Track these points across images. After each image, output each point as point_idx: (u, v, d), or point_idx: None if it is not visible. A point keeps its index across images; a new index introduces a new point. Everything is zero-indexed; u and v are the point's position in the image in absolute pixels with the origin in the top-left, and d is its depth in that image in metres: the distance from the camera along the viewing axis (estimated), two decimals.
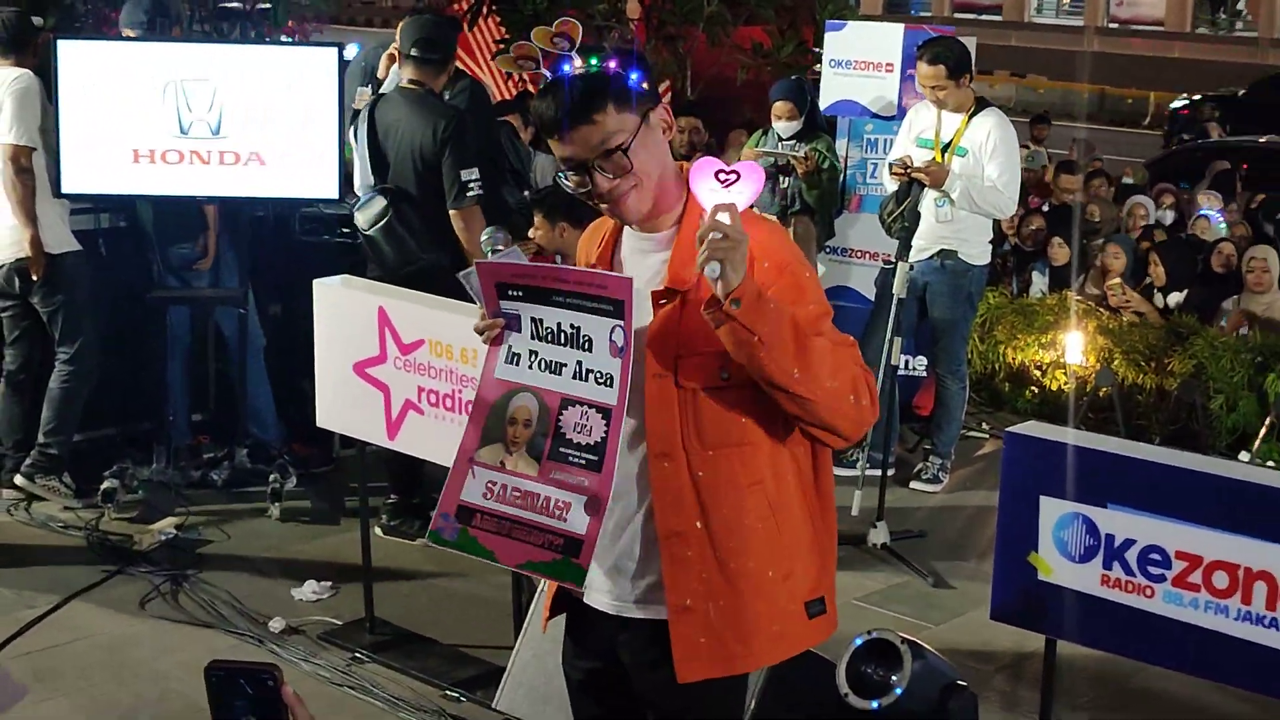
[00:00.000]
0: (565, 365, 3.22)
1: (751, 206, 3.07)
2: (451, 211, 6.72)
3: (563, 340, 3.22)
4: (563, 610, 3.51)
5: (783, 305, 3.05)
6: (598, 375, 3.17)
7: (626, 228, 3.33)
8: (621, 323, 3.11)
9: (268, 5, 9.52)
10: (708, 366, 3.15)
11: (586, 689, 3.53)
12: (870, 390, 3.17)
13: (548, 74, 3.25)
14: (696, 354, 3.15)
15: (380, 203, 6.73)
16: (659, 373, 3.16)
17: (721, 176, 3.03)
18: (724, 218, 2.96)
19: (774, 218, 8.02)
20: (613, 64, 3.20)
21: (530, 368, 3.28)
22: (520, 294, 3.28)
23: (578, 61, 3.22)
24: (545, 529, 3.20)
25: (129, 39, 7.54)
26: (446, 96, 7.29)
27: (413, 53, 6.82)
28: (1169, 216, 12.44)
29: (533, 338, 3.27)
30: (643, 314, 3.16)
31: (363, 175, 6.87)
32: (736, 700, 3.45)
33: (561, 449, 3.20)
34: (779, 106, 8.54)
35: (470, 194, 6.70)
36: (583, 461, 3.17)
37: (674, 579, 3.22)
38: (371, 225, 6.73)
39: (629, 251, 3.32)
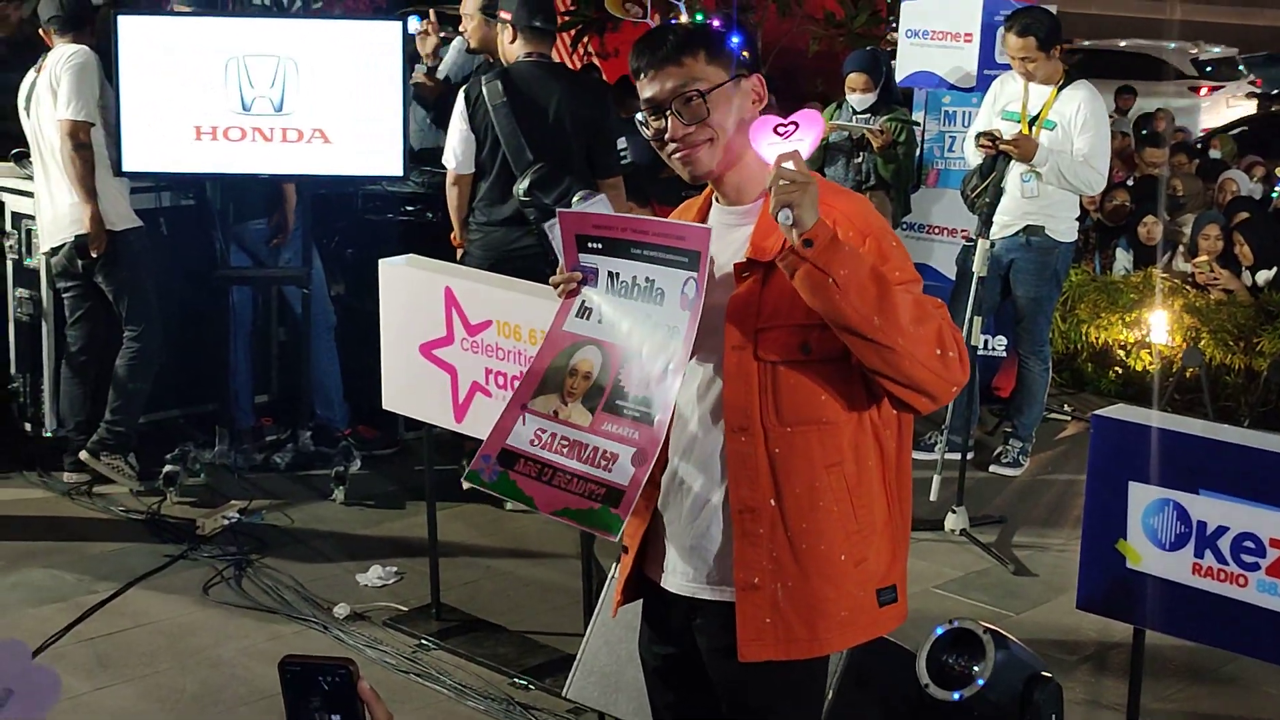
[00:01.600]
0: (635, 318, 3.20)
1: (822, 171, 2.99)
2: (604, 181, 6.75)
3: (636, 294, 3.20)
4: (636, 596, 3.45)
5: (862, 253, 2.99)
6: (665, 329, 3.16)
7: (714, 204, 3.30)
8: (695, 275, 3.08)
9: None
10: (789, 340, 3.08)
11: (662, 675, 3.47)
12: (959, 345, 3.05)
13: (651, 24, 3.23)
14: (777, 327, 3.08)
15: (559, 176, 6.62)
16: (739, 345, 3.10)
17: (780, 129, 3.00)
18: (788, 165, 2.94)
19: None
20: (716, 23, 3.20)
21: (600, 321, 3.26)
22: (599, 246, 3.26)
23: (683, 17, 3.23)
24: (588, 478, 3.17)
25: (183, 14, 7.45)
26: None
27: (536, 24, 6.81)
28: (1259, 190, 12.14)
29: (607, 291, 3.25)
30: (726, 287, 3.13)
31: (515, 151, 6.72)
32: (813, 691, 3.37)
33: (618, 401, 3.18)
34: (853, 78, 8.35)
35: (624, 161, 6.82)
36: (637, 414, 3.14)
37: (743, 555, 3.16)
38: (559, 200, 6.63)
39: (715, 225, 3.24)
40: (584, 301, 3.28)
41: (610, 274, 3.24)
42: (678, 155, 3.19)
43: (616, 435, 3.15)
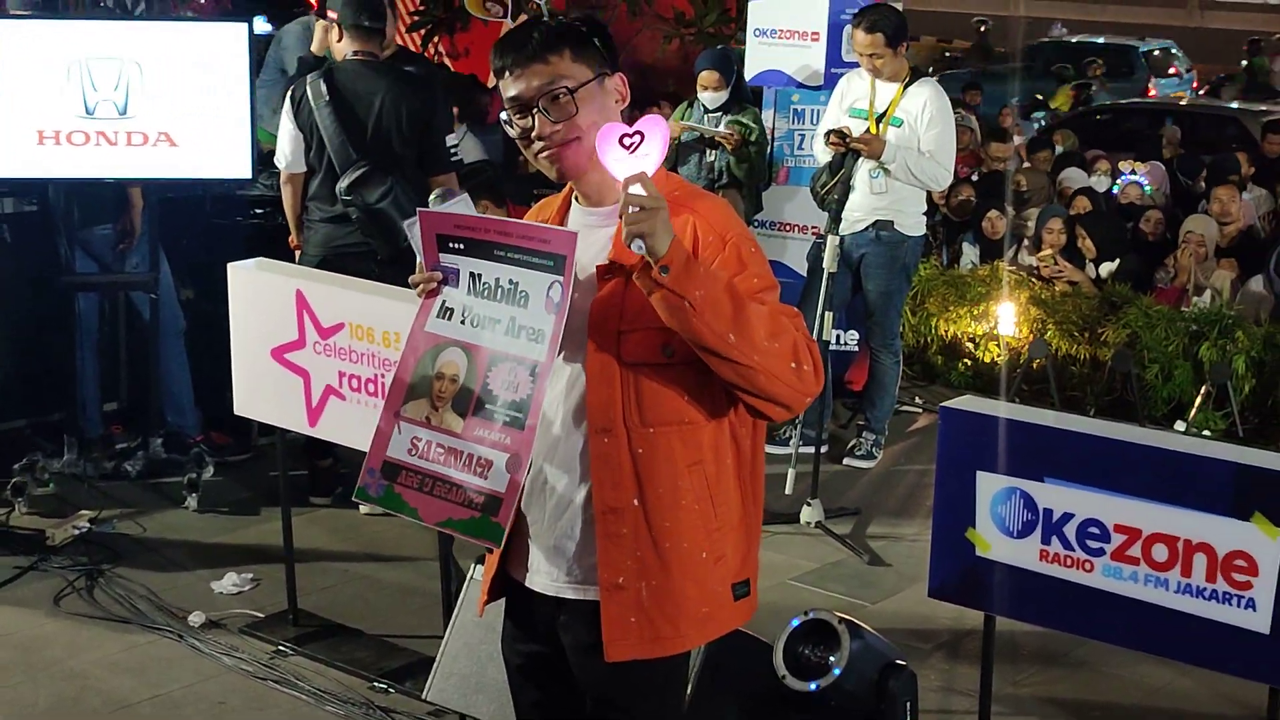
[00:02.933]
0: (498, 321, 3.18)
1: (674, 169, 3.00)
2: (435, 178, 6.77)
3: (499, 296, 3.18)
4: (500, 595, 3.45)
5: (718, 271, 3.02)
6: (530, 332, 3.14)
7: (574, 204, 3.30)
8: (560, 278, 3.07)
9: None
10: (651, 342, 3.10)
11: (526, 673, 3.48)
12: (814, 357, 3.11)
13: (509, 22, 3.23)
14: (640, 329, 3.09)
15: (382, 175, 6.67)
16: (601, 347, 3.12)
17: (626, 141, 2.98)
18: (636, 189, 2.92)
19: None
20: (578, 24, 3.22)
21: (463, 322, 3.24)
22: (461, 246, 3.23)
23: (544, 16, 3.19)
24: (466, 486, 3.16)
25: (22, 17, 7.31)
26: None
27: (363, 22, 6.78)
28: (1104, 183, 12.38)
29: (469, 293, 3.23)
30: (589, 289, 3.14)
31: (338, 149, 6.70)
32: (676, 685, 3.41)
33: (487, 405, 3.16)
34: (705, 77, 8.41)
35: (454, 158, 6.82)
36: (507, 418, 3.13)
37: (607, 556, 3.18)
38: (381, 199, 6.63)
39: (577, 227, 3.24)
40: (445, 301, 3.26)
41: (472, 275, 3.22)
42: (544, 154, 3.18)
43: (489, 441, 3.14)
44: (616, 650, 3.19)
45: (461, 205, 3.31)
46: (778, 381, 3.05)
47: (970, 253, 10.68)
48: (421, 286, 3.28)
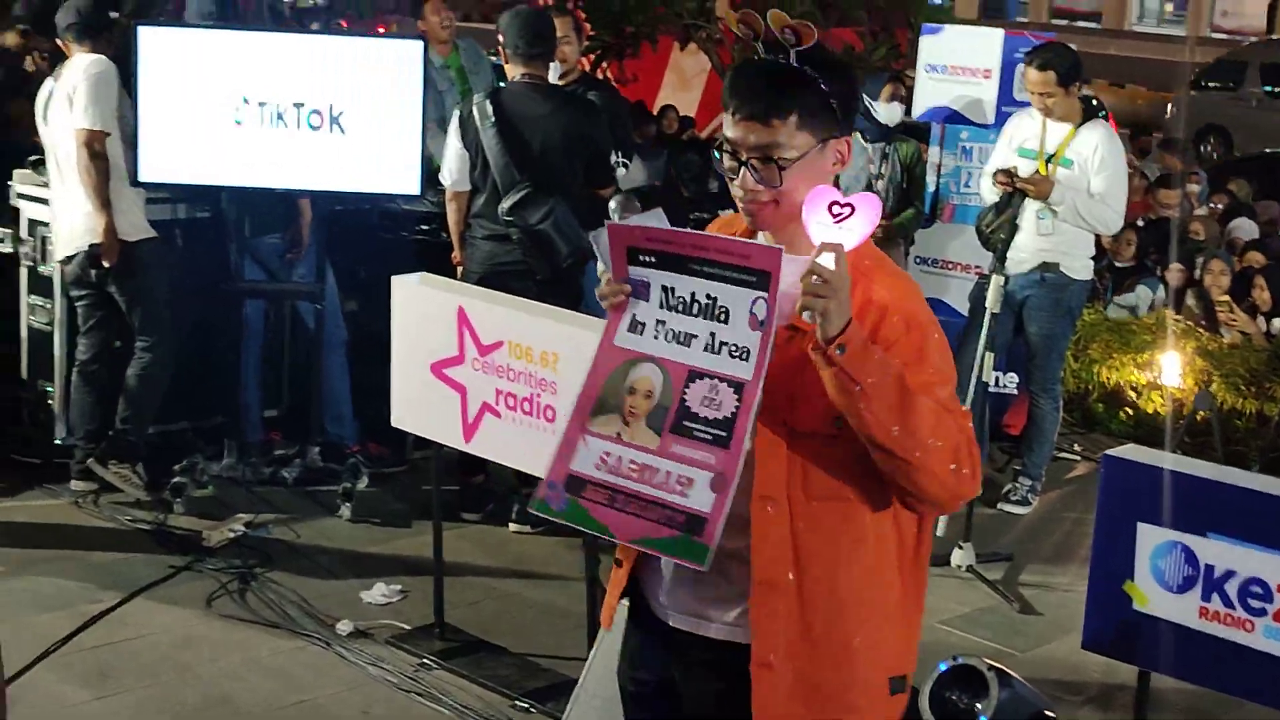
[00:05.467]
0: (696, 336, 3.04)
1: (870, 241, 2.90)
2: (598, 193, 6.82)
3: (695, 310, 3.04)
4: (627, 607, 3.38)
5: (891, 358, 2.93)
6: (732, 348, 2.99)
7: (759, 236, 3.17)
8: (765, 295, 2.94)
9: None
10: (824, 412, 2.98)
11: (640, 701, 3.41)
12: (973, 461, 3.02)
13: (761, 52, 3.10)
14: (812, 397, 2.98)
15: (544, 197, 6.73)
16: (774, 409, 3.02)
17: (835, 210, 2.90)
18: (827, 260, 2.84)
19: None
20: (825, 82, 3.05)
21: (656, 337, 3.09)
22: (653, 260, 3.10)
23: (793, 56, 3.05)
24: (665, 504, 3.00)
25: (202, 26, 7.47)
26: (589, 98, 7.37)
27: (526, 48, 6.85)
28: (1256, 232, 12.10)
29: (661, 306, 3.09)
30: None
31: (502, 170, 6.78)
32: None
33: (686, 422, 3.01)
34: (889, 87, 8.46)
35: (619, 173, 6.90)
36: (709, 437, 2.98)
37: (760, 630, 3.09)
38: (541, 220, 6.71)
39: None
40: (635, 315, 3.12)
41: (665, 288, 3.08)
42: (742, 206, 3.11)
43: (690, 459, 3.00)
44: None
45: (655, 219, 3.20)
46: (934, 481, 2.97)
47: (1147, 297, 10.41)
48: (610, 299, 3.15)
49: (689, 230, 3.13)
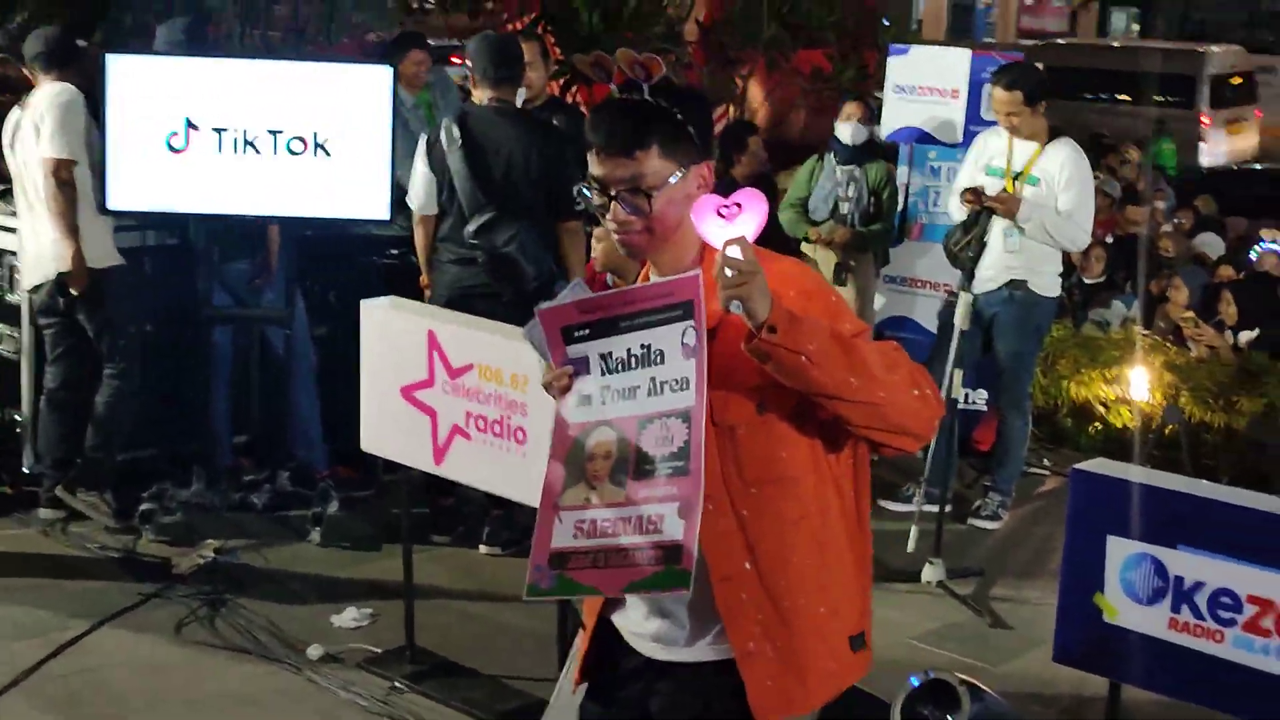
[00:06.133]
0: (639, 387, 3.15)
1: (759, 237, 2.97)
2: (563, 224, 6.86)
3: (634, 364, 3.15)
4: (593, 675, 3.45)
5: (819, 319, 3.03)
6: (672, 384, 3.10)
7: (651, 273, 3.32)
8: (691, 322, 3.05)
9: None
10: (743, 402, 3.11)
11: None
12: (927, 379, 3.15)
13: (615, 90, 3.20)
14: (730, 389, 3.09)
15: (510, 220, 6.75)
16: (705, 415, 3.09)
17: (723, 211, 3.01)
18: (734, 251, 2.95)
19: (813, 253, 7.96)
20: (675, 110, 3.19)
21: (603, 403, 3.20)
22: (587, 332, 3.21)
23: (645, 93, 3.22)
24: (641, 546, 3.10)
25: (170, 55, 7.46)
26: (555, 121, 7.35)
27: (494, 72, 6.87)
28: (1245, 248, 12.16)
29: (603, 373, 3.19)
30: None
31: (468, 193, 6.79)
32: None
33: (647, 466, 3.12)
34: (848, 107, 8.50)
35: (579, 207, 6.73)
36: (669, 470, 3.09)
37: (734, 624, 3.17)
38: (507, 244, 6.71)
39: None
40: (580, 391, 3.23)
41: (603, 356, 3.19)
42: (618, 239, 3.23)
43: (656, 497, 3.10)
44: (765, 716, 3.18)
45: (578, 290, 3.29)
46: (905, 413, 3.09)
47: (1121, 312, 10.44)
48: (556, 385, 3.25)
49: (611, 290, 3.33)
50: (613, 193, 3.18)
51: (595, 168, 3.20)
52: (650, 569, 3.08)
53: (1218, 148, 20.54)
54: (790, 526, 3.16)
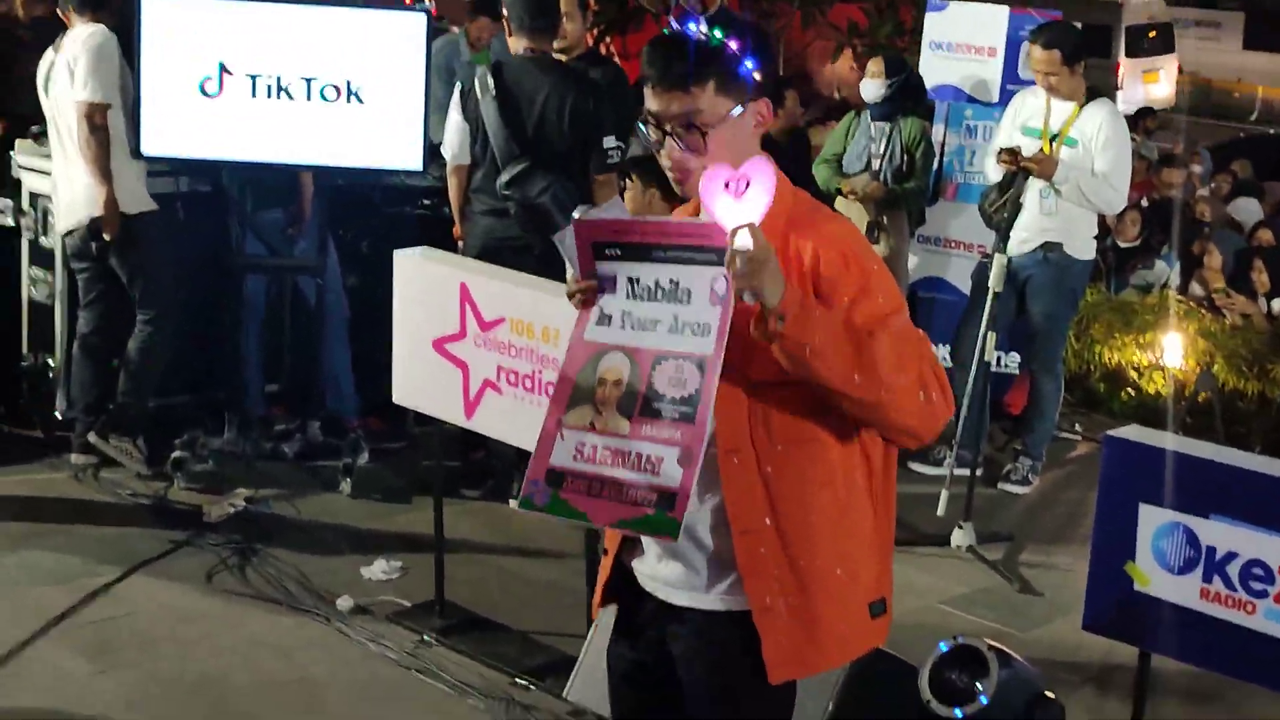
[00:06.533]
0: (660, 321, 3.13)
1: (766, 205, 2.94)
2: (596, 177, 6.81)
3: (660, 296, 3.14)
4: (614, 599, 3.45)
5: (836, 310, 3.02)
6: (694, 326, 3.09)
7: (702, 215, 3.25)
8: (724, 270, 3.00)
9: None
10: (777, 361, 3.05)
11: (629, 680, 3.46)
12: (940, 383, 3.10)
13: (673, 22, 3.15)
14: (767, 352, 3.05)
15: (543, 172, 6.70)
16: (728, 363, 3.06)
17: (731, 186, 2.98)
18: (743, 239, 2.90)
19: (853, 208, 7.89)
20: (734, 43, 3.14)
21: (623, 327, 3.19)
22: (618, 252, 3.19)
23: (703, 26, 3.16)
24: (638, 485, 3.10)
25: None
26: (594, 74, 7.33)
27: (529, 21, 6.83)
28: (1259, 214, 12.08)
29: (628, 297, 3.18)
30: None
31: (501, 144, 6.75)
32: (785, 707, 3.36)
33: (654, 404, 3.11)
34: (872, 64, 8.46)
35: (610, 160, 6.80)
36: (676, 415, 3.08)
37: (751, 578, 3.17)
38: (540, 194, 6.69)
39: None
40: (603, 309, 3.21)
41: (630, 279, 3.18)
42: (672, 175, 3.21)
43: (659, 438, 3.09)
44: (779, 672, 3.18)
45: (615, 209, 3.29)
46: (907, 414, 3.07)
47: (1164, 270, 10.35)
48: (578, 297, 3.24)
49: (650, 219, 3.27)
50: (667, 128, 3.14)
51: (650, 102, 3.15)
52: (640, 510, 3.09)
53: (1133, 95, 20.83)
54: (814, 489, 3.16)
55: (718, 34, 3.15)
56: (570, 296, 3.25)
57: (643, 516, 3.09)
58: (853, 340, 2.97)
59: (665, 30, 3.19)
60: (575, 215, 3.27)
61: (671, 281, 3.12)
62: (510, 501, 6.94)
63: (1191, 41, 25.08)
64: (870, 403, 3.01)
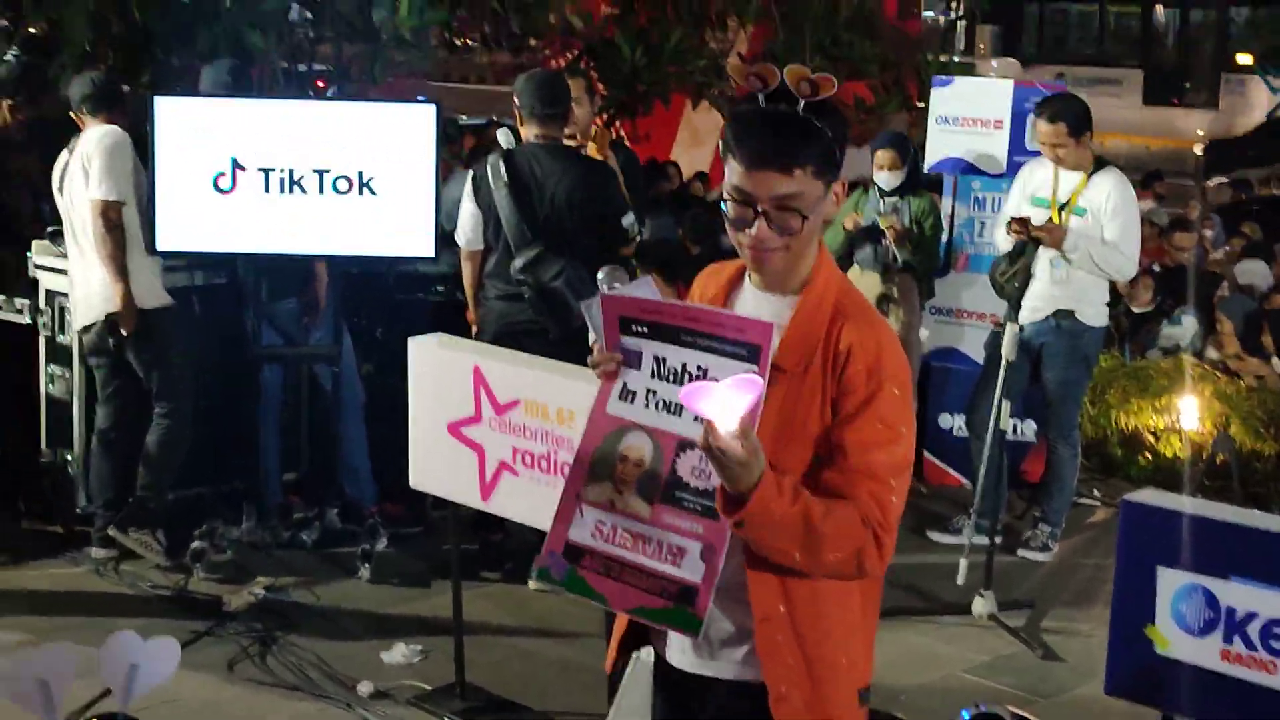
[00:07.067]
0: (685, 408, 3.05)
1: (850, 255, 2.93)
2: (624, 251, 6.93)
3: (686, 380, 3.06)
4: (625, 658, 3.41)
5: (796, 513, 2.95)
6: None
7: (746, 282, 3.23)
8: (755, 368, 2.95)
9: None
10: (800, 451, 3.06)
11: None
12: (879, 548, 3.05)
13: (762, 100, 3.06)
14: (790, 437, 3.05)
15: (555, 256, 6.79)
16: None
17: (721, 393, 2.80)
18: (733, 442, 2.81)
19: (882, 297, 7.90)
20: (828, 130, 3.06)
21: (646, 406, 3.14)
22: (645, 330, 3.14)
23: (801, 105, 3.04)
24: (658, 574, 3.07)
25: (217, 96, 7.53)
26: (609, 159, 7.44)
27: (541, 109, 6.91)
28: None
29: (653, 376, 3.13)
30: None
31: (514, 229, 6.83)
32: None
33: (677, 493, 3.07)
34: (881, 156, 8.44)
35: (631, 237, 6.94)
36: (699, 508, 3.03)
37: (769, 664, 3.15)
38: (553, 279, 6.76)
39: (747, 307, 3.19)
40: (626, 384, 3.16)
41: (657, 359, 3.11)
42: (751, 254, 3.11)
43: (681, 529, 3.05)
44: None
45: (645, 289, 3.21)
46: (836, 575, 3.10)
47: (1191, 325, 10.33)
48: (602, 368, 3.21)
49: (680, 302, 3.16)
50: (762, 209, 3.03)
51: (740, 179, 3.04)
52: (661, 601, 3.06)
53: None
54: (824, 581, 3.12)
55: (812, 118, 3.05)
56: (594, 366, 3.23)
57: (663, 609, 3.06)
58: (807, 532, 2.96)
59: (758, 104, 3.07)
60: (603, 287, 3.22)
61: (700, 369, 3.05)
62: (529, 582, 6.95)
63: (1093, 99, 25.19)
64: (801, 569, 3.04)
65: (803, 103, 3.04)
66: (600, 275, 3.29)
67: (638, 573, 3.09)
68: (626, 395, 3.17)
